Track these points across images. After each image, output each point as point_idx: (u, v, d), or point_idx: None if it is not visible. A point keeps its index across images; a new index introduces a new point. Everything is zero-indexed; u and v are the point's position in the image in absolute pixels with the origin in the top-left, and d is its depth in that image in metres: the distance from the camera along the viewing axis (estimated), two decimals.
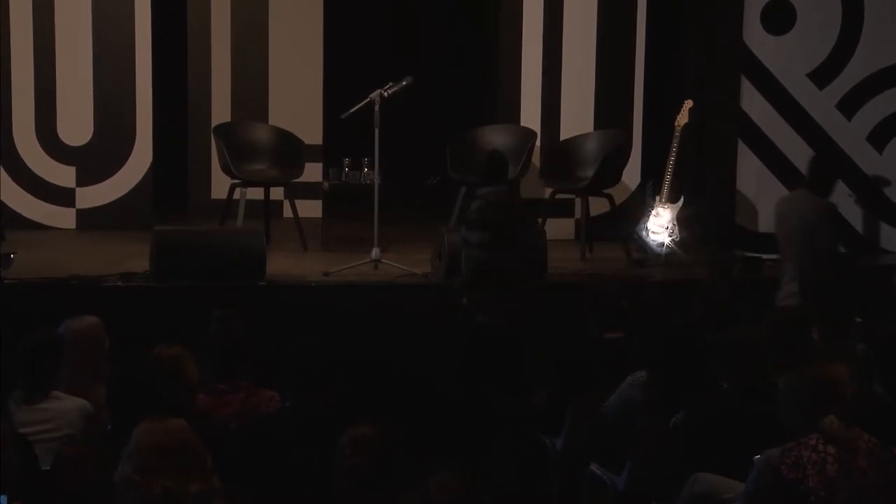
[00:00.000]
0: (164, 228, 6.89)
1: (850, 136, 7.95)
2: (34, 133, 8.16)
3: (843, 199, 7.91)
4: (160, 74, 8.35)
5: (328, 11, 8.79)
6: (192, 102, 8.79)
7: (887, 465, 3.70)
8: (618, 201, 8.05)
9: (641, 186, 7.89)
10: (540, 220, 7.79)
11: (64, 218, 8.20)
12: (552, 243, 7.12)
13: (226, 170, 7.84)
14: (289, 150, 8.05)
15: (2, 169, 8.10)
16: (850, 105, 7.95)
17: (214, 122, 8.50)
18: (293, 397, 4.12)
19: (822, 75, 7.92)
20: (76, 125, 8.21)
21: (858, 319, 5.30)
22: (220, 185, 8.25)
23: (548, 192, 8.10)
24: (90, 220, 8.18)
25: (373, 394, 5.11)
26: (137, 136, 8.27)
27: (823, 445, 3.68)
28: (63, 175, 8.21)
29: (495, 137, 8.28)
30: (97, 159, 8.22)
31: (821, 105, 7.94)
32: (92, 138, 8.24)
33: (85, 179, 8.23)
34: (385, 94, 6.91)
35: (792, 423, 3.78)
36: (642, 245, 7.46)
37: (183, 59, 8.78)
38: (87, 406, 4.49)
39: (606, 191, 7.80)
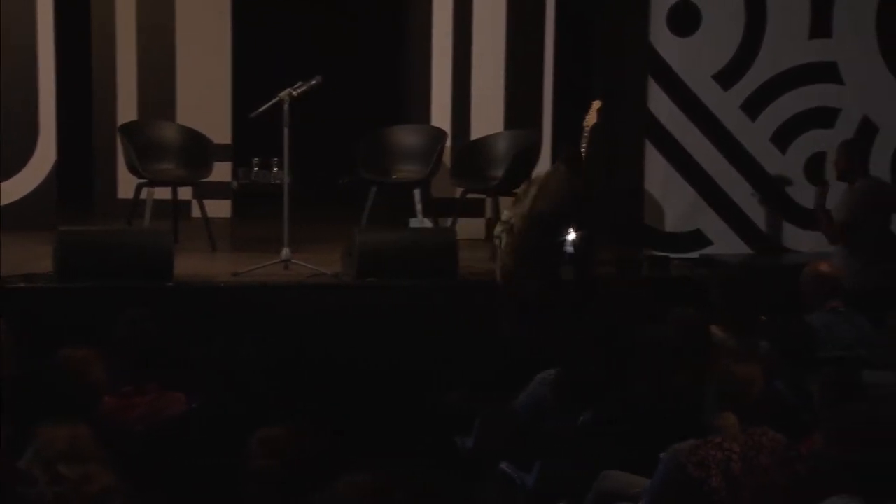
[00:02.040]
0: (68, 228, 6.78)
1: (754, 136, 8.07)
2: None
3: (747, 198, 8.08)
4: (64, 72, 8.19)
5: (236, 8, 8.72)
6: (98, 100, 8.65)
7: (790, 462, 3.77)
8: None
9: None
10: (450, 219, 7.83)
11: None
12: (463, 243, 7.13)
13: (132, 169, 7.73)
14: (197, 149, 7.96)
15: None
16: (753, 106, 8.07)
17: (120, 120, 8.37)
18: (201, 399, 4.07)
19: (726, 77, 8.04)
20: None
21: (763, 318, 5.39)
22: (127, 184, 8.13)
23: (458, 191, 8.13)
24: None
25: (284, 395, 5.07)
26: (41, 135, 8.10)
27: (729, 444, 3.74)
28: None
29: (406, 137, 8.28)
30: None
31: (726, 106, 8.05)
32: None
33: None
34: (294, 93, 6.87)
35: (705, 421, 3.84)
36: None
37: (87, 57, 8.63)
38: None
39: (517, 190, 7.83)
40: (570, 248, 7.14)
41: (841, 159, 6.86)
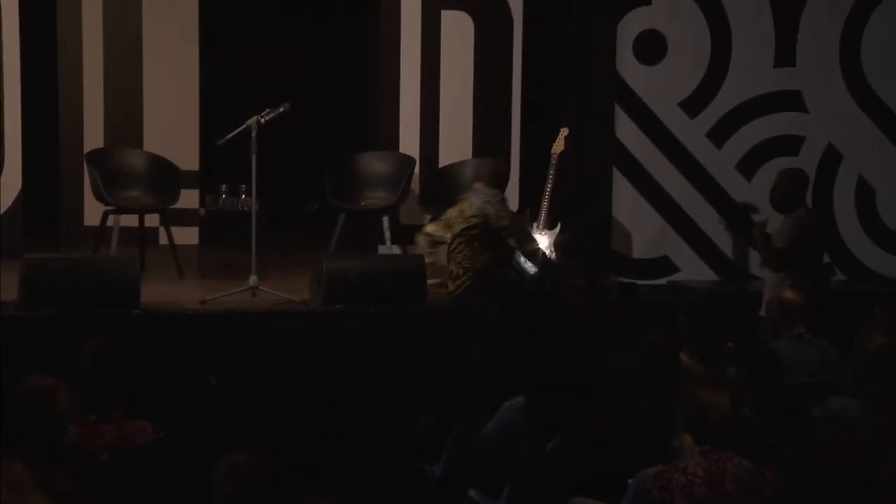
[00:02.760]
0: (34, 256, 6.73)
1: (720, 164, 8.13)
2: None
3: (713, 225, 8.14)
4: (30, 98, 8.15)
5: (204, 36, 8.71)
6: (64, 127, 8.61)
7: (756, 488, 3.79)
8: None
9: (519, 213, 7.97)
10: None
11: None
12: (432, 268, 7.14)
13: (99, 197, 7.69)
14: (164, 176, 7.93)
15: None
16: (719, 134, 8.14)
17: (87, 147, 8.34)
18: (166, 426, 4.05)
19: (692, 105, 8.10)
20: None
21: (730, 344, 5.42)
22: (94, 211, 8.08)
23: (427, 218, 8.13)
24: None
25: (251, 422, 5.05)
26: (6, 163, 8.04)
27: (693, 468, 3.75)
28: None
29: (374, 164, 8.29)
30: None
31: (692, 134, 8.11)
32: None
33: None
34: (262, 120, 6.86)
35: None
36: (520, 271, 7.53)
37: (53, 83, 8.59)
38: None
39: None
40: (529, 267, 7.19)
41: (779, 189, 6.92)
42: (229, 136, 6.89)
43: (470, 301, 6.78)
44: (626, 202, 8.09)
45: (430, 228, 7.43)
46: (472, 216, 7.14)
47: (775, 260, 6.64)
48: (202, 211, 7.83)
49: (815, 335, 5.52)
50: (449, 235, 7.20)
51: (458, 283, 7.04)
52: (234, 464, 3.50)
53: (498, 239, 7.20)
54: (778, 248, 6.65)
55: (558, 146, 7.64)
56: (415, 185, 8.24)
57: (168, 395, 4.07)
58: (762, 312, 6.30)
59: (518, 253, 7.42)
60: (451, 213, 7.33)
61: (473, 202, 7.20)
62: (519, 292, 6.85)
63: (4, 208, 8.04)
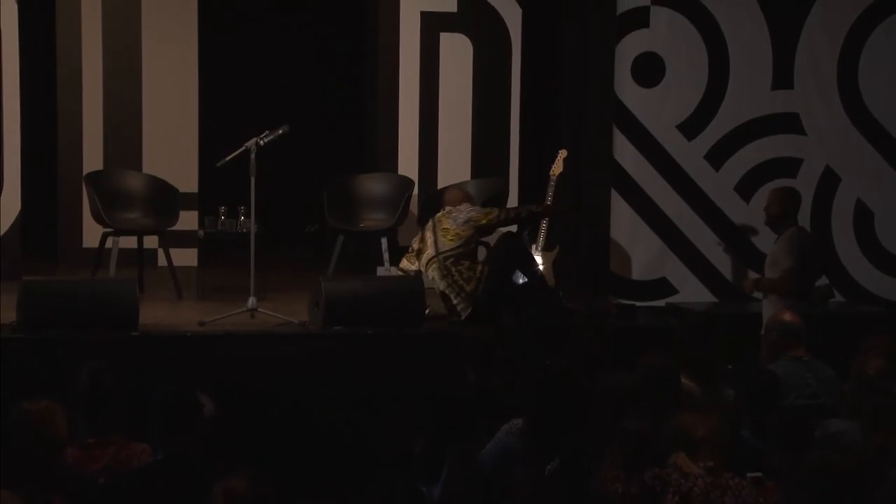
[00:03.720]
0: (33, 279, 6.73)
1: (719, 186, 8.14)
2: None
3: (712, 246, 8.14)
4: (29, 121, 8.17)
5: (203, 57, 8.74)
6: (63, 149, 8.63)
7: None
8: None
9: (518, 234, 7.97)
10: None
11: None
12: (430, 291, 7.14)
13: (98, 219, 7.70)
14: (163, 198, 7.94)
15: None
16: (717, 156, 8.16)
17: (86, 169, 8.35)
18: (163, 449, 4.04)
19: (690, 127, 8.12)
20: None
21: (728, 366, 5.42)
22: (92, 233, 8.09)
23: None
24: None
25: (248, 443, 5.04)
26: (5, 185, 8.06)
27: (694, 478, 3.77)
28: None
29: (373, 185, 8.31)
30: None
31: (690, 156, 8.13)
32: None
33: None
34: (261, 142, 6.88)
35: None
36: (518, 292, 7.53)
37: (53, 105, 8.61)
38: None
39: (484, 238, 7.87)
40: (519, 278, 7.21)
41: (773, 206, 6.93)
42: (228, 157, 6.90)
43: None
44: (625, 224, 8.10)
45: (403, 265, 7.44)
46: (460, 231, 7.17)
47: (789, 284, 6.64)
48: (201, 233, 7.83)
49: (813, 357, 5.51)
50: (419, 264, 7.24)
51: (470, 285, 7.06)
52: (230, 487, 3.49)
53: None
54: (787, 269, 6.65)
55: (557, 167, 7.66)
56: (413, 206, 8.25)
57: (163, 417, 4.07)
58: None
59: (517, 276, 7.42)
60: (416, 243, 7.36)
61: (457, 218, 7.24)
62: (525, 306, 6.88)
63: (3, 230, 8.03)
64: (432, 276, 7.18)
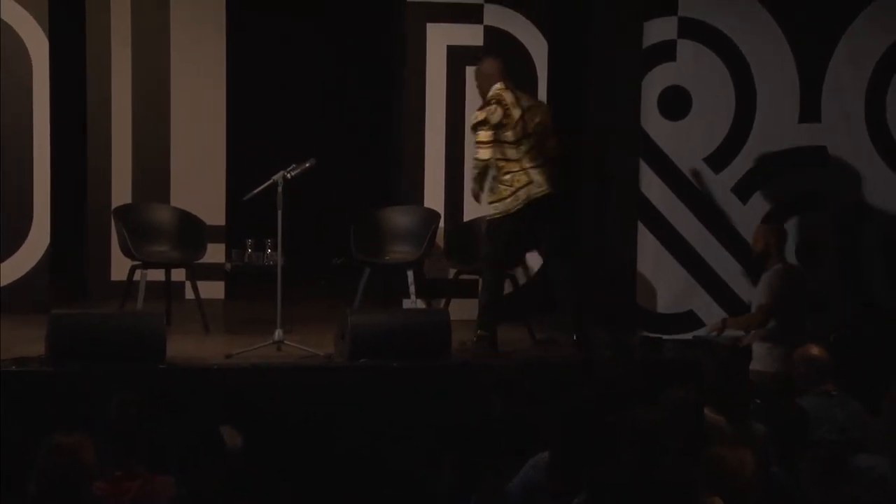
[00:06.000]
0: (61, 312, 6.76)
1: (746, 219, 8.12)
2: None
3: (739, 279, 8.11)
4: (59, 154, 8.24)
5: (231, 91, 8.80)
6: (92, 183, 8.70)
7: None
8: (521, 282, 8.14)
9: (544, 267, 7.98)
10: (443, 300, 7.85)
11: None
12: (456, 324, 7.13)
13: (126, 252, 7.74)
14: (190, 231, 7.99)
15: None
16: (744, 189, 8.14)
17: (115, 203, 8.42)
18: (185, 483, 4.04)
19: (717, 160, 8.12)
20: None
21: (756, 400, 5.38)
22: (120, 266, 8.13)
23: (452, 272, 8.15)
24: None
25: (275, 476, 5.03)
26: (35, 218, 8.13)
27: None
28: None
29: (399, 218, 8.32)
30: None
31: (717, 189, 8.13)
32: None
33: None
34: (288, 175, 6.92)
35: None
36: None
37: (82, 139, 8.69)
38: None
39: (509, 271, 7.86)
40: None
41: (758, 242, 6.90)
42: (255, 191, 6.94)
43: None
44: (651, 257, 8.09)
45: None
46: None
47: (757, 320, 6.64)
48: (228, 265, 7.86)
49: (842, 392, 5.47)
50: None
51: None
52: None
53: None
54: (760, 306, 6.65)
55: None
56: (439, 239, 8.26)
57: (186, 450, 4.07)
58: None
59: None
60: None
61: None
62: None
63: (32, 263, 8.11)
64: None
